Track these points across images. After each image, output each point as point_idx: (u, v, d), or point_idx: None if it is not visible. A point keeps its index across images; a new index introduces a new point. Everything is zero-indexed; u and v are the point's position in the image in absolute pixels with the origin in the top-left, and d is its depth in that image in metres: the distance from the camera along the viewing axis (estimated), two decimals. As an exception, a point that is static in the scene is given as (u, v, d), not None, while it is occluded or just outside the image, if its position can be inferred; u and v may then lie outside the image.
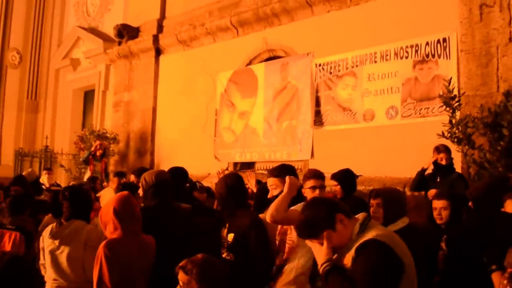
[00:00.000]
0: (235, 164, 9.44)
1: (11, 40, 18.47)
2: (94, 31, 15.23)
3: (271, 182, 3.76)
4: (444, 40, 6.69)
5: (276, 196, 3.44)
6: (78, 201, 3.79)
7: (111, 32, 13.68)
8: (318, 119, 8.07)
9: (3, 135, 17.83)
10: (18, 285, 2.05)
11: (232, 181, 3.71)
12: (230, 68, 9.59)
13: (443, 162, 5.60)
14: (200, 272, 2.55)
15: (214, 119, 9.80)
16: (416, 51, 7.01)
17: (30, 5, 18.56)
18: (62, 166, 12.24)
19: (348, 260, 2.36)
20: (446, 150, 5.64)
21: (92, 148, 9.65)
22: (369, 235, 2.34)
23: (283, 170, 3.75)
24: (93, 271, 3.15)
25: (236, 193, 3.65)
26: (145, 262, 3.29)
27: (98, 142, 9.73)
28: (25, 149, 15.75)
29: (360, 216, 2.49)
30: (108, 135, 10.86)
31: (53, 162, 14.13)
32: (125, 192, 3.48)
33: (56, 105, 17.08)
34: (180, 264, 2.64)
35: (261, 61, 9.20)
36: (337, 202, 2.62)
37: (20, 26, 18.51)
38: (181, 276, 2.61)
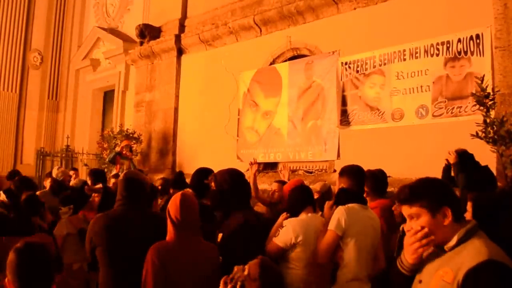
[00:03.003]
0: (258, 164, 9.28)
1: (32, 41, 18.61)
2: (114, 31, 15.24)
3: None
4: (478, 36, 6.48)
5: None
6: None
7: (130, 32, 13.68)
8: (344, 118, 7.90)
9: (25, 135, 17.96)
10: (34, 269, 2.14)
11: (240, 178, 3.58)
12: (253, 67, 9.46)
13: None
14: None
15: (236, 119, 9.68)
16: (448, 48, 6.80)
17: (51, 7, 18.68)
18: (86, 165, 12.21)
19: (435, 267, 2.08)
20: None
21: (119, 148, 9.59)
22: (477, 249, 1.98)
23: None
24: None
25: (240, 192, 3.50)
26: (200, 271, 2.99)
27: (126, 142, 9.67)
28: (46, 148, 15.81)
29: (471, 222, 2.16)
30: (135, 136, 10.81)
31: (74, 162, 14.15)
32: (187, 191, 3.29)
33: (76, 105, 17.15)
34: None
35: (285, 60, 9.05)
36: (456, 196, 2.28)
37: (42, 27, 18.64)
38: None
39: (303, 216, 3.92)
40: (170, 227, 3.05)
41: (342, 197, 3.73)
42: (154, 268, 2.86)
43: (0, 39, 17.91)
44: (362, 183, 3.97)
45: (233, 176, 3.60)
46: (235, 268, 2.48)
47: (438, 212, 2.10)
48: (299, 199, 4.06)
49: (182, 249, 3.00)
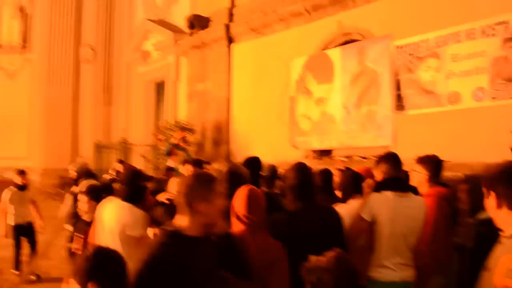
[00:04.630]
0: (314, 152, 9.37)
1: (84, 36, 19.17)
2: (163, 22, 15.52)
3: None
4: (538, 15, 6.30)
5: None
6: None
7: (179, 23, 13.91)
8: (399, 103, 7.85)
9: (80, 128, 18.63)
10: (108, 274, 2.15)
11: (305, 172, 3.46)
12: (304, 54, 9.49)
13: None
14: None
15: (289, 106, 9.76)
16: (505, 28, 6.64)
17: (100, 1, 19.17)
18: (143, 156, 12.60)
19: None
20: None
21: (174, 140, 9.86)
22: None
23: None
24: None
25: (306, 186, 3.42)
26: (267, 268, 2.92)
27: (181, 133, 9.93)
28: (102, 141, 16.33)
29: None
30: (188, 127, 11.06)
31: (129, 153, 14.56)
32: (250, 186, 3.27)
33: (129, 98, 17.62)
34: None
35: (336, 46, 9.04)
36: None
37: (91, 22, 19.18)
38: None
39: (351, 203, 3.98)
40: (235, 221, 3.07)
41: (379, 185, 3.75)
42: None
43: (52, 35, 18.53)
44: (399, 169, 3.93)
45: (301, 171, 3.59)
46: (312, 259, 2.55)
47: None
48: (349, 186, 4.13)
49: (250, 241, 2.94)
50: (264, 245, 2.98)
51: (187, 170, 5.53)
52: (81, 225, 4.43)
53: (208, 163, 7.19)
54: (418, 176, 4.27)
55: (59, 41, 18.64)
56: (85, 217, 4.49)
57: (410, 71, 7.73)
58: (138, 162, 12.69)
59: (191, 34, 12.17)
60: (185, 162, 6.09)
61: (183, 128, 10.77)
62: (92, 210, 4.29)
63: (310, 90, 9.37)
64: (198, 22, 11.99)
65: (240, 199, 3.04)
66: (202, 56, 11.99)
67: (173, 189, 4.48)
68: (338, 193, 4.35)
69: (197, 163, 5.69)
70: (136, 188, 3.88)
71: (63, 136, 18.14)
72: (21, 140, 18.23)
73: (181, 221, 2.50)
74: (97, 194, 4.47)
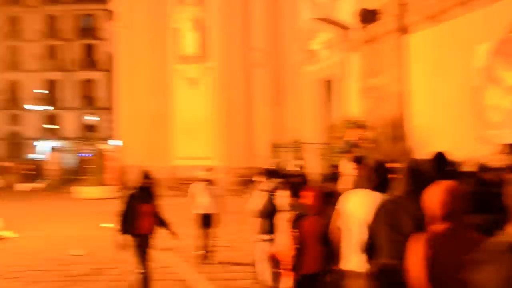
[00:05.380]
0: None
1: (252, 40, 20.01)
2: (328, 20, 15.44)
3: None
4: None
5: None
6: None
7: (344, 19, 13.69)
8: None
9: (255, 129, 19.55)
10: None
11: None
12: (490, 38, 8.62)
13: None
14: None
15: (473, 97, 8.96)
16: None
17: (265, 4, 19.84)
18: (319, 154, 12.66)
19: None
20: None
21: (351, 138, 9.73)
22: None
23: None
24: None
25: None
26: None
27: (357, 131, 9.77)
28: (275, 140, 16.82)
29: None
30: (363, 124, 10.84)
31: (303, 152, 14.73)
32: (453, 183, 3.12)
33: (298, 97, 17.90)
34: None
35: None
36: None
37: (259, 25, 19.94)
38: None
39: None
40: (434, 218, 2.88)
41: None
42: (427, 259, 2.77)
43: (225, 43, 19.67)
44: None
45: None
46: None
47: None
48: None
49: (452, 241, 2.78)
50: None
51: (350, 167, 5.41)
52: (290, 218, 4.57)
53: (388, 161, 6.89)
54: None
55: (232, 48, 19.75)
56: (287, 211, 4.63)
57: None
58: (312, 160, 12.79)
59: (363, 28, 11.87)
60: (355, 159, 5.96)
61: (359, 126, 10.56)
62: (292, 204, 4.49)
63: (500, 78, 8.48)
64: (367, 16, 11.67)
65: (437, 196, 2.81)
66: (373, 51, 11.65)
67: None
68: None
69: (359, 160, 5.55)
70: (383, 178, 3.90)
71: (240, 137, 19.24)
72: (205, 141, 19.83)
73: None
74: (296, 188, 4.63)
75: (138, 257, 5.61)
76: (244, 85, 19.80)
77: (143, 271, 5.57)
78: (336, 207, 4.07)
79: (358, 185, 4.59)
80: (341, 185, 5.14)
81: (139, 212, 5.57)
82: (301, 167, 8.28)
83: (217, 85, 19.97)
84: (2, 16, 43.46)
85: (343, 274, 3.95)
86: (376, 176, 3.92)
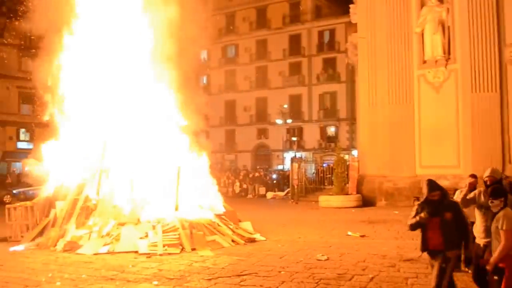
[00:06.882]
0: None
1: (507, 36, 17.90)
2: None
3: None
4: None
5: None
6: None
7: None
8: None
9: (510, 133, 17.52)
10: None
11: None
12: None
13: None
14: None
15: None
16: None
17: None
18: None
19: None
20: None
21: None
22: None
23: None
24: None
25: None
26: None
27: None
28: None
29: None
30: None
31: None
32: None
33: None
34: None
35: None
36: None
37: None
38: None
39: None
40: None
41: None
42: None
43: (472, 42, 17.97)
44: None
45: None
46: None
47: None
48: None
49: None
50: None
51: None
52: None
53: None
54: None
55: (480, 46, 17.98)
56: None
57: None
58: None
59: None
60: None
61: None
62: None
63: None
64: None
65: None
66: None
67: None
68: None
69: None
70: None
71: (491, 143, 17.40)
72: (451, 149, 18.48)
73: None
74: None
75: (436, 276, 5.01)
76: (493, 86, 17.86)
77: None
78: None
79: None
80: None
81: (427, 226, 5.08)
82: None
83: (462, 88, 18.46)
84: (252, 40, 47.81)
85: None
86: None
